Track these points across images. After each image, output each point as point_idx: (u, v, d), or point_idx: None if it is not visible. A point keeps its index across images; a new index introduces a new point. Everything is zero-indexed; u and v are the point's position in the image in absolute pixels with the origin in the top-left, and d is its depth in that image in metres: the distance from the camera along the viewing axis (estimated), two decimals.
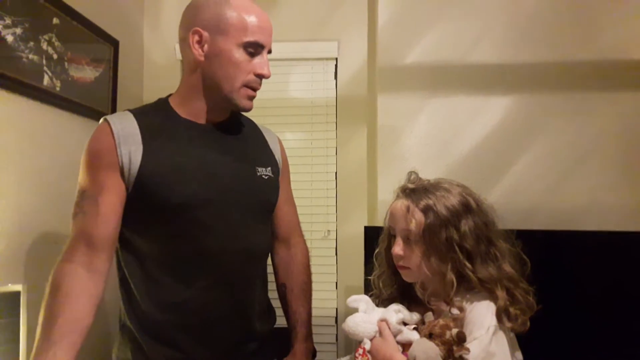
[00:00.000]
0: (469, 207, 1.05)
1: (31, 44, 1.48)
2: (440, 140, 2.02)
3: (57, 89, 1.61)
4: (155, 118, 1.10)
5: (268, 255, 1.24)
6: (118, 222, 1.04)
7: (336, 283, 2.13)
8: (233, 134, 1.17)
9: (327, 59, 2.19)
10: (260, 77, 1.11)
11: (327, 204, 2.17)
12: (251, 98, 1.13)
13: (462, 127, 2.00)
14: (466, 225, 1.02)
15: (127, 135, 1.04)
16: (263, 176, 1.16)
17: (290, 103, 2.20)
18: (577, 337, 1.55)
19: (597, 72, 1.92)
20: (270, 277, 1.28)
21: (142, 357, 1.05)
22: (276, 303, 1.28)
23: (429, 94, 2.02)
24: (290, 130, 2.19)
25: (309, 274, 1.28)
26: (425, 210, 1.03)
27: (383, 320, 1.03)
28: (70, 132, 1.65)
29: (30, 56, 1.48)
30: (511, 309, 0.99)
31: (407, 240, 1.04)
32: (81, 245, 1.00)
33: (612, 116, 1.91)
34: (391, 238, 1.10)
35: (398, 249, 1.05)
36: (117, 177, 1.03)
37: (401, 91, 2.05)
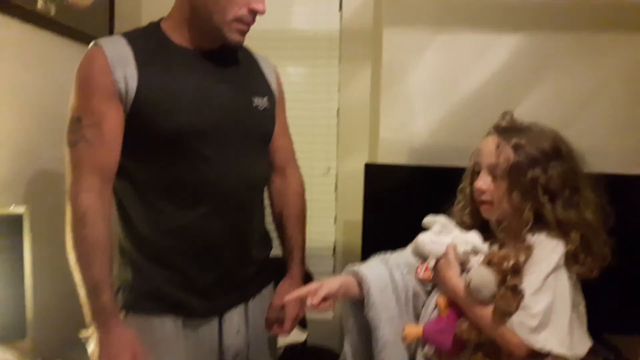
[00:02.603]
0: (559, 152, 1.05)
1: None
2: (445, 78, 1.97)
3: (52, 13, 1.55)
4: (149, 43, 1.07)
5: (266, 185, 1.24)
6: (119, 149, 1.04)
7: (335, 217, 2.16)
8: (229, 62, 1.14)
9: None
10: (255, 12, 1.06)
11: (328, 140, 2.16)
12: (243, 33, 1.08)
13: (469, 64, 1.95)
14: (554, 169, 1.03)
15: (121, 60, 1.01)
16: (259, 107, 1.14)
17: (292, 35, 2.13)
18: None
19: (609, 12, 1.84)
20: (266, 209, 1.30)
21: (142, 279, 1.08)
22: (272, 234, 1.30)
23: (436, 30, 1.95)
24: (291, 64, 2.14)
25: (304, 202, 1.30)
26: (516, 148, 1.04)
27: (452, 246, 1.07)
28: (65, 58, 1.61)
29: None
30: (581, 255, 1.01)
31: (492, 176, 1.06)
32: (94, 175, 1.00)
33: (622, 58, 1.86)
34: (474, 174, 1.11)
35: (481, 183, 1.06)
36: (116, 102, 1.01)
37: (408, 26, 1.98)
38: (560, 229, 1.02)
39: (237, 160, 1.09)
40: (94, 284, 0.98)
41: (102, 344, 0.97)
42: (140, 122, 1.02)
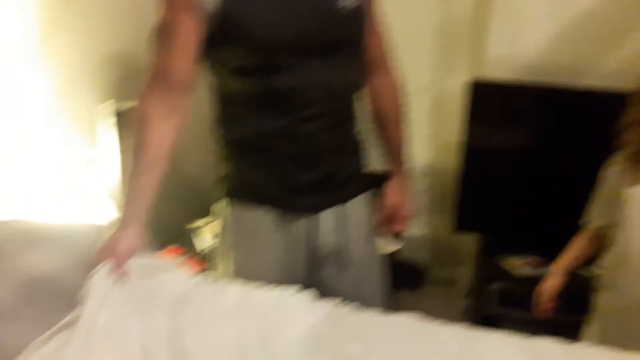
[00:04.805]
0: None
1: None
2: None
3: None
4: None
5: (358, 93, 1.23)
6: (192, 59, 1.05)
7: (429, 137, 2.13)
8: None
9: None
10: None
11: (423, 55, 2.05)
12: None
13: None
14: None
15: None
16: (345, 8, 1.08)
17: None
18: None
19: None
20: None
21: (242, 173, 1.16)
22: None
23: None
24: None
25: (401, 100, 1.28)
26: None
27: None
28: None
29: None
30: None
31: None
32: (157, 81, 1.04)
33: None
34: None
35: None
36: (194, 13, 1.01)
37: None
38: None
39: (323, 69, 1.09)
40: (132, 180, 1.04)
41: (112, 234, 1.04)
42: (226, 33, 1.03)
